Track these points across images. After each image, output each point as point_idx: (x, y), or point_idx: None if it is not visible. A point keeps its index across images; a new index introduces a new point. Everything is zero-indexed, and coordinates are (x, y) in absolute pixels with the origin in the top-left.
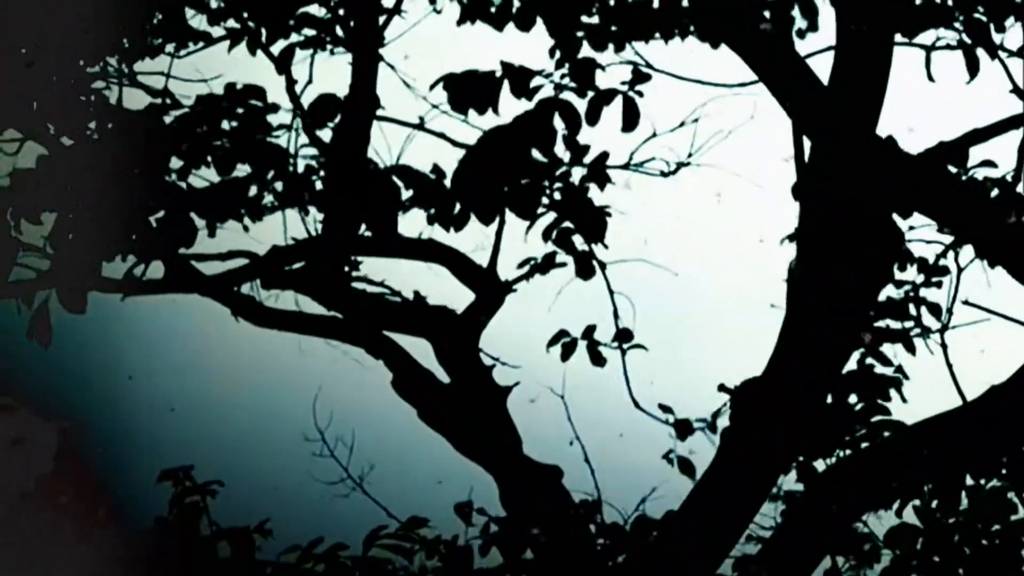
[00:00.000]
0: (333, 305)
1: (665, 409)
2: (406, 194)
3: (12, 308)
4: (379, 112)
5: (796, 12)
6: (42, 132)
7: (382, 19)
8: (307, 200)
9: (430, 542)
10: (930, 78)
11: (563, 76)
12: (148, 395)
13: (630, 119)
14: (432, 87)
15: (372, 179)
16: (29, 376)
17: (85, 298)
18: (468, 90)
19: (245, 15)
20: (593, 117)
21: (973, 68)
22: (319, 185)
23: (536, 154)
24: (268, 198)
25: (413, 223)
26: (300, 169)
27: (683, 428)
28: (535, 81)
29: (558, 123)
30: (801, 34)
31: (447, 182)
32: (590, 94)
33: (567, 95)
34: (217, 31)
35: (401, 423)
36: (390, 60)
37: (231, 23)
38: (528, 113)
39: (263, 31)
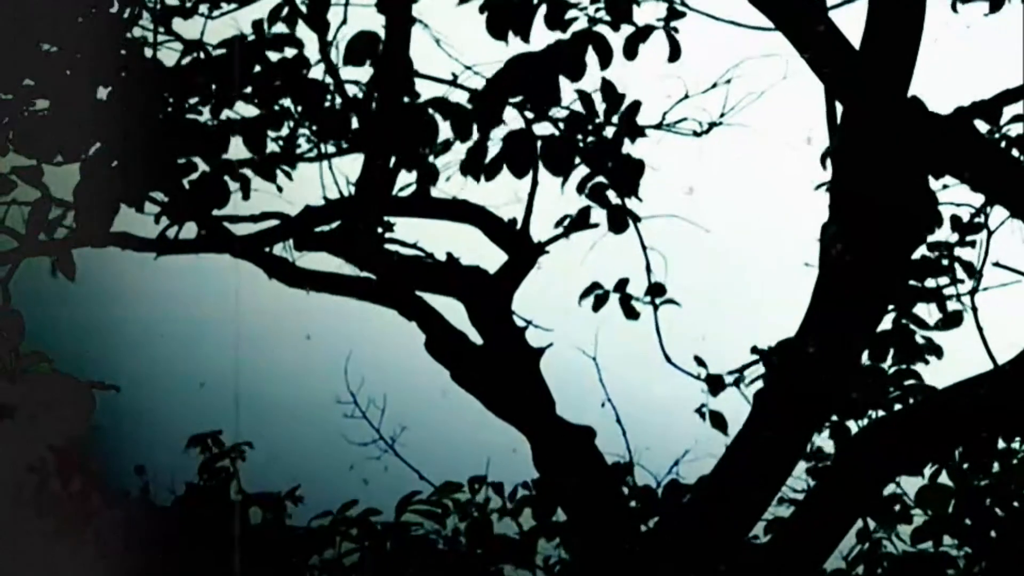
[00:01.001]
0: (366, 266)
1: (699, 363)
2: (444, 127)
3: (45, 270)
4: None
5: None
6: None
7: None
8: (343, 136)
9: (462, 504)
10: (954, 8)
11: (598, 10)
12: (179, 358)
13: (674, 51)
14: (461, 2)
15: (409, 114)
16: (61, 338)
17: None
18: (506, 13)
19: None
20: (631, 52)
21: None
22: (355, 123)
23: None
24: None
25: (447, 188)
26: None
27: (715, 383)
28: (570, 14)
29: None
30: None
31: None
32: (627, 29)
33: (601, 29)
34: None
35: (433, 385)
36: (423, 18)
37: None
38: (560, 41)
39: None
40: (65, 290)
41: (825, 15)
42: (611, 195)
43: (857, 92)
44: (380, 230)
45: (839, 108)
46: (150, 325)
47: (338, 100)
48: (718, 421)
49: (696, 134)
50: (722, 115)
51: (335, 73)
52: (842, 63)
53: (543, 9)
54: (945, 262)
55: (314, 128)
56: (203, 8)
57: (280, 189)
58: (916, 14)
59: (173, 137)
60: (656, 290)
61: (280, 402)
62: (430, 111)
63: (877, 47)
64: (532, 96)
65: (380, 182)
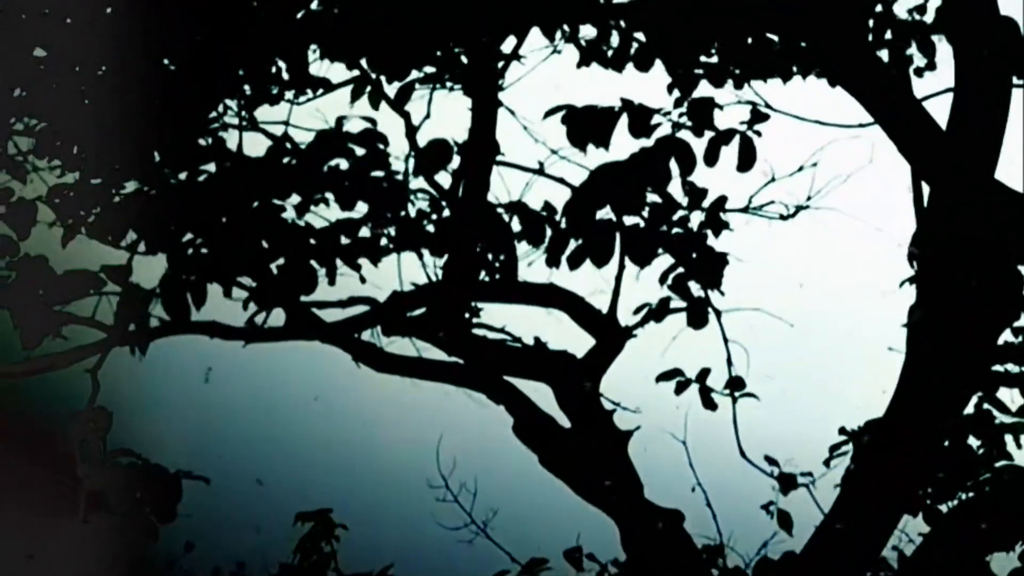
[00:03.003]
0: (454, 351)
1: (771, 461)
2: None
3: (128, 354)
4: (498, 157)
5: (914, 49)
6: (156, 175)
7: (500, 63)
8: (422, 244)
9: None
10: None
11: (680, 115)
12: (269, 442)
13: (746, 159)
14: (546, 116)
15: (486, 217)
16: (149, 427)
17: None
18: (587, 125)
19: (365, 62)
20: (712, 158)
21: None
22: (432, 228)
23: (651, 196)
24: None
25: (532, 272)
26: (415, 211)
27: (786, 482)
28: (653, 119)
29: (674, 164)
30: (919, 72)
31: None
32: (708, 134)
33: (684, 134)
34: (336, 71)
35: (524, 468)
36: (509, 104)
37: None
38: (644, 150)
39: (383, 78)
40: (156, 375)
41: (912, 97)
42: (693, 287)
43: (944, 174)
44: (467, 315)
45: (926, 191)
46: (239, 409)
47: (415, 210)
48: (784, 520)
49: (783, 217)
50: (808, 198)
51: (419, 172)
52: (929, 145)
53: (625, 118)
54: None
55: (390, 234)
56: (288, 95)
57: (363, 280)
58: (1002, 97)
59: (259, 233)
60: (735, 384)
61: (373, 485)
62: (504, 216)
63: (964, 129)
64: (618, 206)
65: (467, 267)
